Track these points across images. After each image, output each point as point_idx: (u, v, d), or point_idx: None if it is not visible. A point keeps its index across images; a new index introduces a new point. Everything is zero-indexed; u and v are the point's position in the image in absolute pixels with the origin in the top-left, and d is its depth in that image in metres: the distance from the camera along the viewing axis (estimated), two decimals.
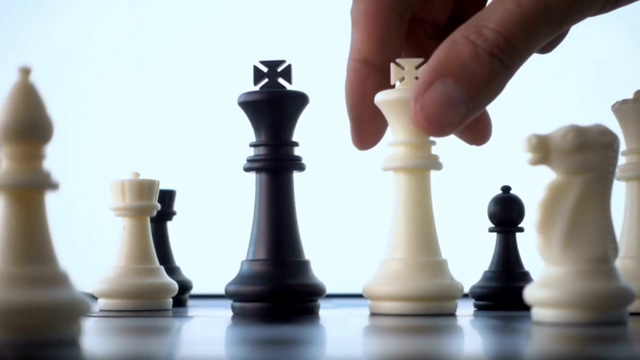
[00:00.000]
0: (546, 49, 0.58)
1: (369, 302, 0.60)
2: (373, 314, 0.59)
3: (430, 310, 0.58)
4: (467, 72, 0.53)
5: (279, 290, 0.62)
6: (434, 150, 0.60)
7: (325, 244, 1.00)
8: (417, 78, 0.57)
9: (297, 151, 0.65)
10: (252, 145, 0.64)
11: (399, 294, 0.57)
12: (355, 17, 0.60)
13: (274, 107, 0.64)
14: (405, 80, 0.58)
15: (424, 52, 0.58)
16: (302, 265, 0.63)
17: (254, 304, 0.62)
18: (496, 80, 0.54)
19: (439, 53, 0.54)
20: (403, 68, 0.58)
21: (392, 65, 0.58)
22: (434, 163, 0.59)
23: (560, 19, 0.54)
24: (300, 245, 0.64)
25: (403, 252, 0.58)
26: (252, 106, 0.64)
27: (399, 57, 0.59)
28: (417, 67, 0.58)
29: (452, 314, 0.59)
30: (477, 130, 0.59)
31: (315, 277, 0.63)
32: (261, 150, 0.64)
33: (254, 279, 0.62)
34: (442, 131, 0.55)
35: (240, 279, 0.63)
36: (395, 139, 0.59)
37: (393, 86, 0.58)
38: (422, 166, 0.58)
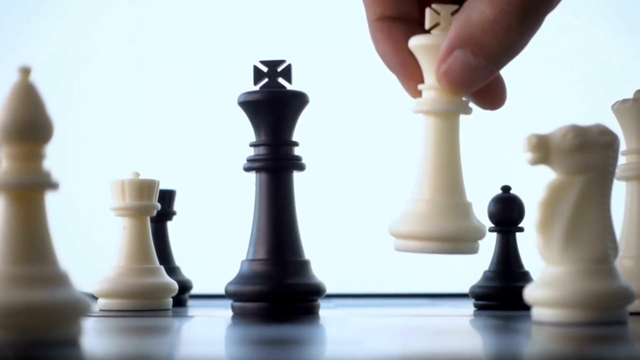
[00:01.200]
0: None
1: (394, 240, 0.60)
2: (397, 251, 0.59)
3: (452, 250, 0.58)
4: (483, 46, 0.54)
5: (279, 290, 0.62)
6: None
7: (325, 244, 1.00)
8: (450, 24, 0.57)
9: (297, 151, 0.65)
10: (252, 145, 0.64)
11: (423, 234, 0.57)
12: None
13: (274, 106, 0.64)
14: (441, 26, 0.57)
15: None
16: (302, 265, 0.63)
17: (254, 303, 0.62)
18: (514, 48, 0.55)
19: (456, 24, 0.55)
20: (439, 13, 0.58)
21: (427, 10, 0.58)
22: (464, 108, 0.59)
23: None
24: (300, 245, 0.64)
25: (429, 193, 0.58)
26: (252, 106, 0.64)
27: (414, 8, 0.59)
28: (453, 14, 0.58)
29: (474, 254, 0.59)
30: (491, 95, 0.59)
31: (315, 277, 0.63)
32: (261, 150, 0.64)
33: (254, 278, 0.62)
34: (467, 91, 0.57)
35: (240, 278, 0.63)
36: (427, 83, 0.59)
37: (426, 32, 0.58)
38: (452, 111, 0.58)
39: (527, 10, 0.54)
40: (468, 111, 0.59)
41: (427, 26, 0.58)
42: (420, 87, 0.59)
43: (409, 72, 0.59)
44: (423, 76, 0.59)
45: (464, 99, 0.58)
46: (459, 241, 0.58)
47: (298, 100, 0.65)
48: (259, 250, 0.63)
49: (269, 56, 0.65)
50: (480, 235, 0.58)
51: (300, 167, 0.64)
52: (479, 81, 0.56)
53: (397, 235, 0.59)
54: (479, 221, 0.59)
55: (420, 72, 0.59)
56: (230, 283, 0.63)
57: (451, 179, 0.59)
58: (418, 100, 0.59)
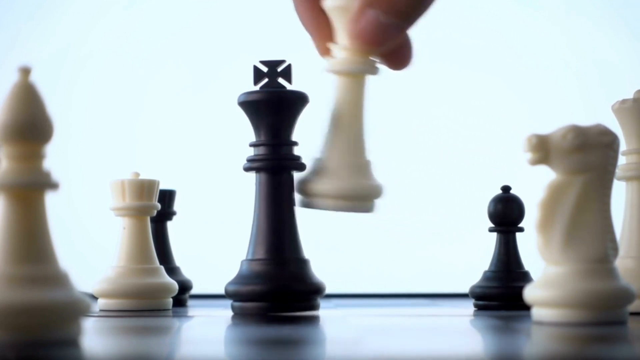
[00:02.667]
0: None
1: (296, 196, 0.59)
2: (303, 207, 0.59)
3: (348, 208, 0.58)
4: (392, 4, 0.56)
5: (279, 290, 0.62)
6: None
7: (325, 244, 1.00)
8: None
9: (296, 151, 0.65)
10: (252, 145, 0.64)
11: (323, 191, 0.57)
12: None
13: (273, 106, 0.64)
14: None
15: None
16: (302, 265, 0.63)
17: (254, 303, 0.62)
18: (422, 4, 0.57)
19: None
20: None
21: None
22: (371, 68, 0.59)
23: None
24: (299, 245, 0.64)
25: (330, 152, 0.58)
26: (252, 106, 0.64)
27: None
28: None
29: (369, 212, 0.59)
30: (398, 55, 0.60)
31: (315, 276, 0.63)
32: (261, 150, 0.64)
33: (254, 278, 0.62)
34: (380, 49, 0.58)
35: (240, 278, 0.63)
36: (340, 43, 0.59)
37: None
38: (360, 71, 0.59)
39: None
40: (375, 71, 0.59)
41: None
42: (331, 46, 0.59)
43: (323, 33, 0.60)
44: (336, 37, 0.59)
45: (372, 59, 0.58)
46: (355, 199, 0.58)
47: (298, 101, 0.65)
48: (258, 250, 0.63)
49: (269, 56, 0.65)
50: (375, 194, 0.58)
51: (300, 167, 0.64)
52: (390, 39, 0.57)
53: (300, 192, 0.58)
54: (377, 180, 0.59)
55: (332, 34, 0.59)
56: (230, 283, 0.63)
57: (353, 137, 0.59)
58: (329, 60, 0.59)
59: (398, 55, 0.61)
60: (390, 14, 0.56)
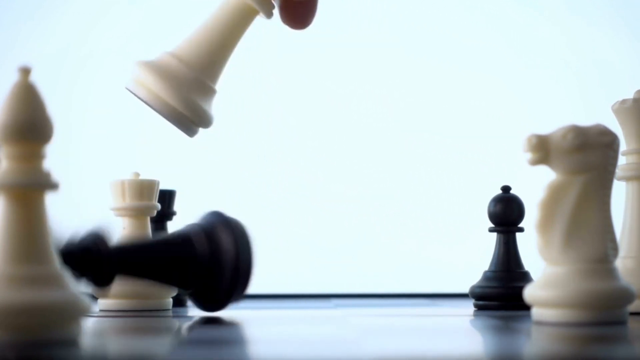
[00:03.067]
0: None
1: (131, 79, 0.59)
2: (128, 90, 0.59)
3: (174, 119, 0.59)
4: None
5: None
6: None
7: (325, 244, 1.00)
8: None
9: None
10: None
11: (159, 91, 0.57)
12: None
13: None
14: None
15: None
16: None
17: None
18: None
19: None
20: None
21: None
22: (266, 6, 0.58)
23: None
24: None
25: (186, 56, 0.58)
26: None
27: None
28: None
29: (189, 135, 0.59)
30: (298, 11, 0.59)
31: None
32: None
33: None
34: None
35: None
36: None
37: None
38: (255, 2, 0.58)
39: None
40: (269, 15, 0.58)
41: None
42: None
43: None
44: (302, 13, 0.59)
45: (272, 1, 0.58)
46: (183, 114, 0.58)
47: None
48: None
49: (268, 56, 0.65)
50: (205, 122, 0.59)
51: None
52: None
53: (135, 76, 0.58)
54: (212, 111, 0.58)
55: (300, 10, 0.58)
56: None
57: (214, 59, 0.59)
58: None
59: (299, 11, 0.58)
60: None
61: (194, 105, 0.56)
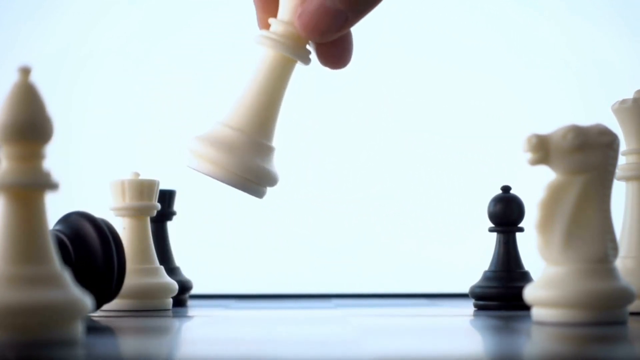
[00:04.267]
0: None
1: (188, 154, 0.58)
2: (188, 167, 0.58)
3: (242, 186, 0.57)
4: None
5: None
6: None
7: (325, 244, 1.00)
8: None
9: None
10: (272, 22, 0.61)
11: (216, 159, 0.56)
12: None
13: None
14: None
15: None
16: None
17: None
18: None
19: None
20: None
21: None
22: (303, 55, 0.57)
23: None
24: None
25: (238, 122, 0.57)
26: None
27: None
28: None
29: (258, 197, 0.59)
30: (336, 51, 0.58)
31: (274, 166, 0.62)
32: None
33: None
34: (321, 38, 0.56)
35: None
36: (279, 17, 0.57)
37: None
38: (290, 53, 0.57)
39: None
40: (307, 61, 0.57)
41: None
42: (270, 20, 0.57)
43: (266, 5, 0.58)
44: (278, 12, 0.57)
45: (308, 48, 0.57)
46: (247, 179, 0.57)
47: None
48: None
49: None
50: (271, 181, 0.58)
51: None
52: (333, 29, 0.55)
53: (194, 153, 0.57)
54: (276, 169, 0.58)
55: (277, 9, 0.57)
56: None
57: (264, 118, 0.58)
58: (262, 31, 0.57)
59: (335, 52, 0.58)
60: (339, 1, 0.54)
61: (257, 169, 0.56)
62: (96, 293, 0.58)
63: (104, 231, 0.61)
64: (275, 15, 0.57)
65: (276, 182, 0.58)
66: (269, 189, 0.58)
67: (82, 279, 0.57)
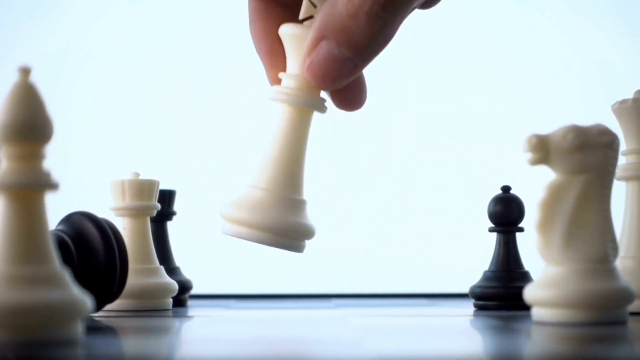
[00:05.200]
0: (428, 3, 0.58)
1: (223, 223, 0.59)
2: (224, 234, 0.58)
3: (277, 244, 0.57)
4: (347, 34, 0.53)
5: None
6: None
7: (325, 245, 1.00)
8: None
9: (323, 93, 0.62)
10: (283, 77, 0.59)
11: (251, 222, 0.56)
12: None
13: None
14: (314, 19, 0.56)
15: None
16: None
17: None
18: (378, 38, 0.54)
19: (322, 12, 0.54)
20: (315, 6, 0.57)
21: (304, 1, 0.57)
22: (319, 105, 0.58)
23: None
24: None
25: (267, 182, 0.57)
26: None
27: None
28: None
29: (299, 252, 0.58)
30: (350, 95, 0.58)
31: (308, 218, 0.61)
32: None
33: None
34: (332, 86, 0.56)
35: None
36: (288, 72, 0.57)
37: (301, 21, 0.57)
38: (306, 105, 0.57)
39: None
40: (323, 109, 0.58)
41: (301, 16, 0.57)
42: (280, 74, 0.57)
43: (275, 61, 0.58)
44: (287, 66, 0.57)
45: (321, 96, 0.57)
46: (286, 236, 0.57)
47: None
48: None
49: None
50: (308, 234, 0.58)
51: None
52: (344, 76, 0.55)
53: (227, 219, 0.57)
54: (310, 221, 0.58)
55: (285, 63, 0.57)
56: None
57: (291, 173, 0.58)
58: (275, 87, 0.58)
59: (350, 95, 0.58)
60: (346, 48, 0.54)
61: (292, 225, 0.57)
62: (98, 293, 0.58)
63: (107, 231, 0.61)
64: (283, 69, 0.57)
65: (313, 234, 0.58)
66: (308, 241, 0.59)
67: (85, 279, 0.57)
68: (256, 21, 0.59)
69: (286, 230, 0.57)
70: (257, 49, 0.59)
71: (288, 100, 0.57)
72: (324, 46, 0.54)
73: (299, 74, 0.56)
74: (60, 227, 0.61)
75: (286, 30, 0.57)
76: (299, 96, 0.56)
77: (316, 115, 0.58)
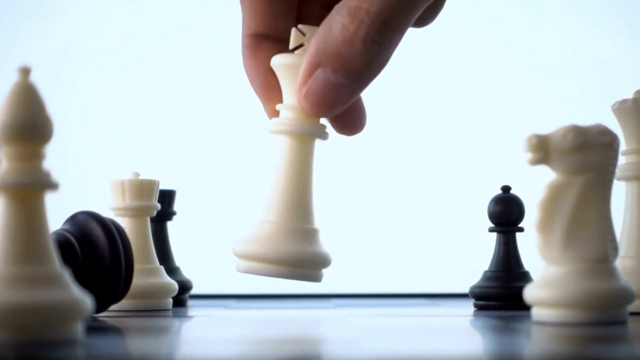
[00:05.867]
0: (424, 21, 0.58)
1: (236, 260, 0.58)
2: (239, 272, 0.58)
3: (294, 275, 0.57)
4: (343, 61, 0.53)
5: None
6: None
7: (325, 244, 1.00)
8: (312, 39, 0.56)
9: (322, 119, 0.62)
10: (281, 108, 0.60)
11: (266, 257, 0.56)
12: None
13: None
14: (304, 47, 0.57)
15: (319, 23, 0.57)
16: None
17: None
18: (375, 63, 0.54)
19: (317, 39, 0.54)
20: (304, 34, 0.57)
21: (293, 30, 0.57)
22: (320, 132, 0.58)
23: None
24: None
25: (277, 215, 0.57)
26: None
27: (290, 27, 0.58)
28: None
29: (317, 282, 0.58)
30: (349, 120, 0.58)
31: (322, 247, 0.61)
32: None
33: None
34: (330, 113, 0.56)
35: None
36: (285, 103, 0.58)
37: (291, 51, 0.57)
38: (307, 133, 0.57)
39: (387, 22, 0.53)
40: (324, 136, 0.58)
41: (291, 46, 0.57)
42: (278, 106, 0.58)
43: (270, 95, 0.58)
44: (283, 96, 0.58)
45: (321, 122, 0.57)
46: (301, 267, 0.57)
47: None
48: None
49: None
50: (324, 263, 0.58)
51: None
52: (341, 102, 0.55)
53: (240, 256, 0.58)
54: (325, 249, 0.58)
55: (281, 95, 0.58)
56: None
57: (300, 203, 0.58)
58: (274, 119, 0.58)
59: (349, 120, 0.58)
60: (342, 74, 0.54)
61: (306, 255, 0.57)
62: (103, 293, 0.58)
63: (112, 231, 0.60)
64: (280, 102, 0.57)
65: (329, 262, 0.58)
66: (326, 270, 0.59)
67: (89, 280, 0.57)
68: (249, 57, 0.59)
69: (301, 261, 0.57)
70: (252, 84, 0.59)
71: (288, 131, 0.57)
72: (320, 74, 0.54)
73: (296, 104, 0.56)
74: (65, 227, 0.60)
75: (278, 61, 0.57)
76: (299, 126, 0.57)
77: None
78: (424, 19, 0.57)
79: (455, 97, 1.05)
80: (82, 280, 0.54)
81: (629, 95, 0.62)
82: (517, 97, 1.05)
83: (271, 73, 0.58)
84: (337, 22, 0.53)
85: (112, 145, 1.06)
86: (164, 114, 1.08)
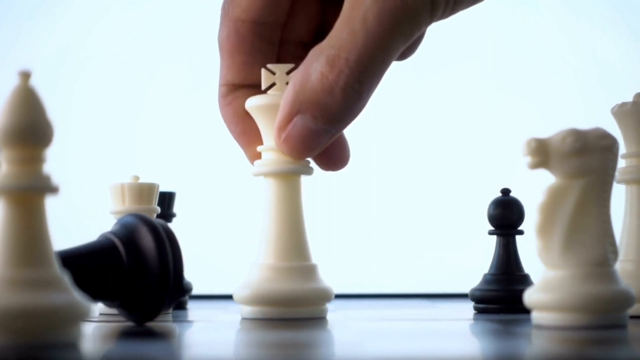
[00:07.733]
0: (404, 55, 0.59)
1: (241, 307, 0.59)
2: (244, 319, 0.59)
3: (301, 314, 0.58)
4: (322, 108, 0.54)
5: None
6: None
7: (325, 245, 1.00)
8: (287, 83, 0.57)
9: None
10: (261, 150, 0.61)
11: (269, 300, 0.57)
12: (219, 42, 0.61)
13: None
14: (277, 86, 0.58)
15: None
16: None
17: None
18: (354, 108, 0.55)
19: (295, 86, 0.55)
20: (274, 73, 0.58)
21: (262, 70, 0.58)
22: (305, 168, 0.58)
23: (408, 31, 0.54)
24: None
25: (273, 257, 0.58)
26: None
27: None
28: (288, 73, 0.58)
29: (322, 317, 0.59)
30: (333, 156, 0.60)
31: (323, 282, 0.62)
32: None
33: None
34: (309, 155, 0.57)
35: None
36: (266, 144, 0.58)
37: (264, 91, 0.59)
38: (292, 171, 0.58)
39: (366, 70, 0.54)
40: (309, 171, 0.59)
41: (263, 87, 0.58)
42: (259, 148, 0.58)
43: (249, 140, 0.60)
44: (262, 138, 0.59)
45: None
46: (304, 305, 0.58)
47: None
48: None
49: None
50: (326, 298, 0.59)
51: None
52: (320, 146, 0.56)
53: (243, 302, 0.58)
54: (326, 283, 0.59)
55: (260, 138, 0.59)
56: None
57: (294, 242, 0.59)
58: (257, 162, 0.59)
59: (333, 156, 0.59)
60: (321, 121, 0.54)
61: (308, 292, 0.58)
62: (150, 301, 0.55)
63: (161, 236, 0.55)
64: (260, 144, 0.58)
65: (331, 296, 0.59)
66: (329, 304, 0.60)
67: (135, 286, 0.54)
68: (224, 105, 0.60)
69: (304, 299, 0.57)
70: (230, 131, 0.61)
71: (273, 171, 0.58)
72: (299, 120, 0.55)
73: (277, 145, 0.57)
74: (113, 230, 0.56)
75: (253, 103, 0.58)
76: (283, 164, 0.57)
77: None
78: (404, 54, 0.59)
79: (456, 98, 1.05)
80: (128, 286, 0.53)
81: (629, 95, 0.62)
82: (517, 99, 1.05)
83: (248, 118, 0.59)
84: (315, 70, 0.54)
85: (112, 149, 1.07)
86: (164, 116, 1.08)
